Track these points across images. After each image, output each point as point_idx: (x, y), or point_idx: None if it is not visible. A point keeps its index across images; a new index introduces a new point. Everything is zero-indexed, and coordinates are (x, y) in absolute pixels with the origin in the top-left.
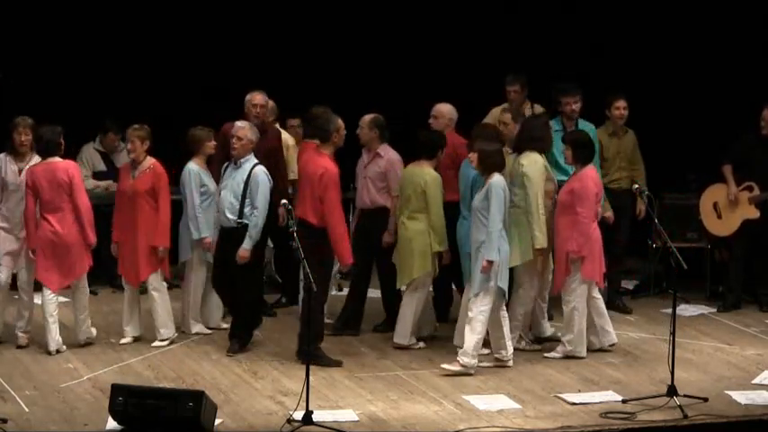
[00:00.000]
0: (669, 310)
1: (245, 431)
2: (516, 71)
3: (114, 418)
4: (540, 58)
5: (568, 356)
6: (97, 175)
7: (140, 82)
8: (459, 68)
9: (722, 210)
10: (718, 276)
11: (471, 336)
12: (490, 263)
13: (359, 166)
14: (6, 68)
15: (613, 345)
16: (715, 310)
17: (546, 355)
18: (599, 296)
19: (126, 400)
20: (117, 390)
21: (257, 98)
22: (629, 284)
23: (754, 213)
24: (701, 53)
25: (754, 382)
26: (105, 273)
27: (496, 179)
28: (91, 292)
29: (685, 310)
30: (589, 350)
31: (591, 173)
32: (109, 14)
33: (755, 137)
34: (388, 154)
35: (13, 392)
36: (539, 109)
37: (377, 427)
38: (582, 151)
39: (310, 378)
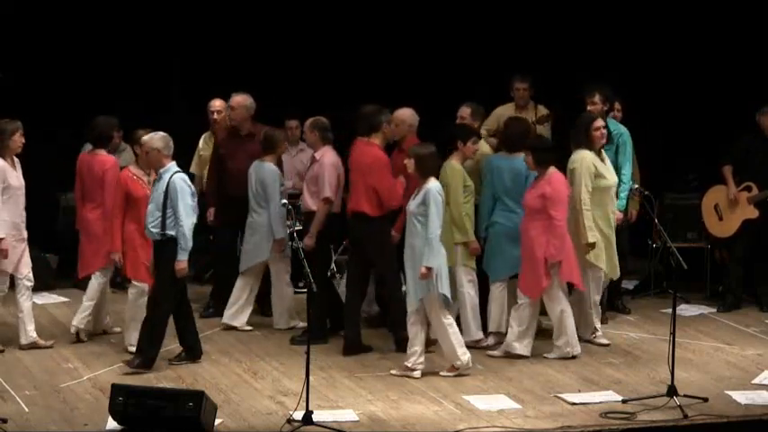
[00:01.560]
0: (669, 310)
1: (246, 431)
2: (520, 71)
3: (114, 418)
4: (541, 58)
5: (564, 357)
6: None
7: (139, 81)
8: (460, 69)
9: (723, 211)
10: (719, 276)
11: (445, 342)
12: (429, 269)
13: None
14: (6, 68)
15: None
16: (715, 310)
17: (546, 355)
18: None
19: (126, 400)
20: (117, 390)
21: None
22: (629, 284)
23: (753, 213)
24: (702, 54)
25: (753, 382)
26: None
27: (432, 184)
28: None
29: (685, 310)
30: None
31: (560, 176)
32: (110, 14)
33: (755, 138)
34: (323, 157)
35: (12, 392)
36: (542, 110)
37: (377, 427)
38: (542, 155)
39: (310, 378)
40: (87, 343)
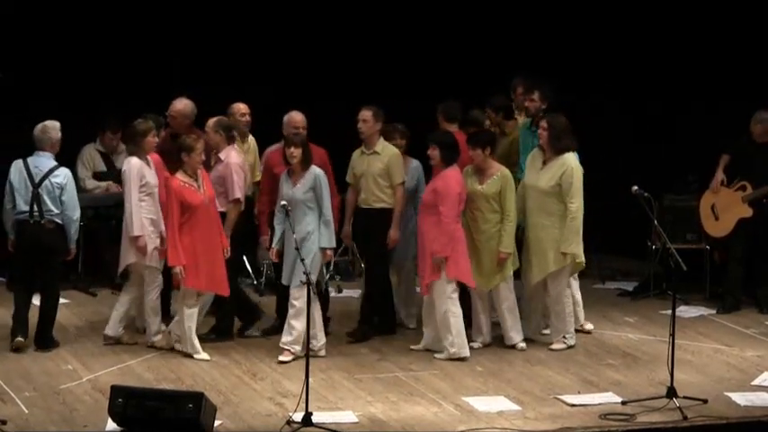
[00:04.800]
0: (668, 312)
1: None
2: (519, 74)
3: (114, 420)
4: (540, 58)
5: (453, 358)
6: (97, 176)
7: (139, 81)
8: (459, 69)
9: (719, 211)
10: (718, 278)
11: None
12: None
13: None
14: (6, 68)
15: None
16: (714, 311)
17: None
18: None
19: (125, 402)
20: (116, 391)
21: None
22: (628, 286)
23: (747, 212)
24: (702, 54)
25: (753, 383)
26: (106, 274)
27: (318, 170)
28: (91, 293)
29: (685, 311)
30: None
31: (453, 173)
32: (110, 14)
33: (752, 138)
34: (228, 158)
35: (12, 394)
36: None
37: (376, 429)
38: (449, 152)
39: (310, 379)
40: (87, 344)
